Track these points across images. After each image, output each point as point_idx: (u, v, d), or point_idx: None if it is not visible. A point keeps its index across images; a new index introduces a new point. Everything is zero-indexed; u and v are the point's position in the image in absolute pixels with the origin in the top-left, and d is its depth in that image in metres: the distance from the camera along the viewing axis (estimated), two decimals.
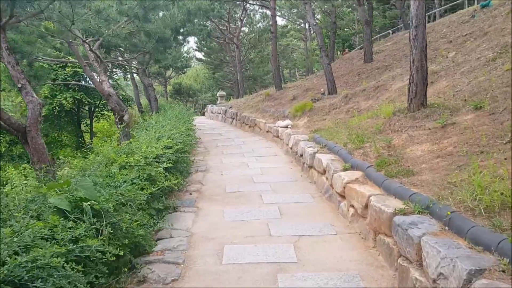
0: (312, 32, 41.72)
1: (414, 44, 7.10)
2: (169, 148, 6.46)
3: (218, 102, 28.06)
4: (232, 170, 8.80)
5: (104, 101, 16.03)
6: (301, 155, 8.76)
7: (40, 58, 8.80)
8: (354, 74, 15.78)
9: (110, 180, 4.42)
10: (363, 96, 11.32)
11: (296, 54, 49.92)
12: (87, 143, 10.00)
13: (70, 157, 7.01)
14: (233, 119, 18.82)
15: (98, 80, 8.35)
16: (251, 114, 16.91)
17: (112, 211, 3.42)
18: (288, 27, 43.28)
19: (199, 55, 40.65)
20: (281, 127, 12.21)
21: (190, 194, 6.86)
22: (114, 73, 16.34)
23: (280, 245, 4.60)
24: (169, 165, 5.63)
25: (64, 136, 15.58)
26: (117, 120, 7.81)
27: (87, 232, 3.04)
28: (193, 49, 39.91)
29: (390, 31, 28.80)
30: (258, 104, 18.09)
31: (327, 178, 6.61)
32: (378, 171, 5.39)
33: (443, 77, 9.46)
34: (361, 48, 28.23)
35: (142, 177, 5.03)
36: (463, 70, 9.09)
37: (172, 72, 38.57)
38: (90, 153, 6.51)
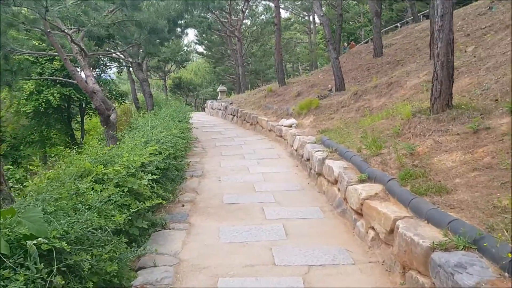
0: (317, 25, 40.83)
1: (439, 36, 6.26)
2: (157, 155, 5.67)
3: (218, 97, 27.19)
4: (231, 176, 8.00)
5: None
6: (308, 160, 7.96)
7: (17, 51, 7.98)
8: (363, 69, 14.94)
9: (79, 199, 3.63)
10: (375, 94, 10.48)
11: (300, 48, 49.04)
12: (78, 142, 9.31)
13: (58, 157, 6.26)
14: (234, 116, 18.01)
15: (82, 75, 7.54)
16: (253, 111, 16.09)
17: (68, 250, 2.63)
18: (292, 20, 42.34)
19: (200, 48, 39.75)
20: (285, 126, 11.40)
21: (183, 205, 6.07)
22: (108, 68, 15.60)
23: (286, 278, 3.81)
24: (156, 176, 4.81)
25: (54, 134, 14.69)
26: (102, 120, 7.01)
27: (28, 285, 2.26)
28: (194, 43, 38.97)
29: (398, 24, 27.86)
30: (260, 100, 17.27)
31: (339, 190, 5.81)
32: (403, 186, 4.59)
33: (465, 74, 8.61)
34: (367, 42, 27.37)
35: (122, 193, 4.24)
36: (487, 66, 8.24)
37: (171, 66, 37.75)
38: (78, 153, 5.78)
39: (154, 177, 4.60)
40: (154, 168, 5.13)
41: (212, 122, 18.86)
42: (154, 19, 7.77)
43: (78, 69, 7.98)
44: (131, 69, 16.69)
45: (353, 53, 19.32)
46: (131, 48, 8.97)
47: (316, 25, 41.30)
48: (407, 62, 13.00)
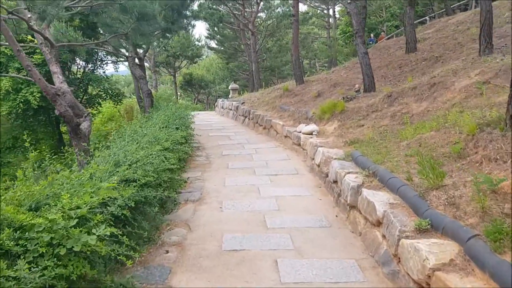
0: (336, 18, 39.00)
1: None
2: (128, 183, 4.11)
3: (230, 96, 25.65)
4: (236, 201, 6.40)
5: (90, 96, 13.73)
6: (335, 182, 6.34)
7: None
8: (394, 66, 13.19)
9: None
10: (414, 96, 8.78)
11: (317, 43, 47.26)
12: (66, 146, 7.85)
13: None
14: (245, 117, 16.42)
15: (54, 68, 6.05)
16: (266, 112, 14.48)
17: None
18: (310, 14, 40.49)
19: (212, 43, 38.17)
20: (303, 133, 9.77)
21: (166, 251, 4.50)
22: (104, 63, 14.10)
23: None
24: (110, 230, 3.15)
25: (40, 138, 13.07)
26: (70, 131, 5.48)
27: None
28: (205, 37, 37.41)
29: (427, 17, 25.92)
30: (275, 100, 15.64)
31: (384, 237, 4.18)
32: (497, 252, 2.95)
33: None
34: (392, 37, 25.47)
35: (54, 261, 2.70)
36: None
37: (182, 61, 36.32)
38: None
39: (108, 232, 3.02)
40: (118, 208, 3.55)
41: (221, 124, 17.30)
42: (142, 2, 6.24)
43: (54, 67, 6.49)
44: (139, 60, 15.19)
45: (379, 48, 17.54)
46: (117, 38, 7.45)
47: (337, 18, 39.51)
48: (448, 58, 11.23)
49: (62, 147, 13.48)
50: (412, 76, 11.35)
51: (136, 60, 13.64)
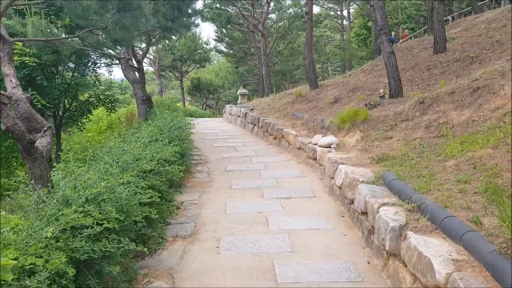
0: (353, 19, 37.66)
1: None
2: (75, 232, 2.85)
3: (238, 101, 24.42)
4: (238, 237, 5.12)
5: (80, 102, 12.50)
6: (364, 213, 5.03)
7: None
8: (421, 68, 11.83)
9: None
10: (452, 103, 7.44)
11: (329, 47, 45.99)
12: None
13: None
14: (254, 125, 15.16)
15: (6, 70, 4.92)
16: (277, 120, 13.20)
17: None
18: (322, 16, 39.14)
19: (221, 47, 36.93)
20: (320, 146, 8.48)
21: None
22: (97, 66, 12.89)
23: None
24: None
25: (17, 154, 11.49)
26: (21, 150, 4.26)
27: None
28: (213, 40, 36.25)
29: (449, 17, 24.50)
30: (287, 107, 14.35)
31: None
32: None
33: None
34: (410, 38, 24.06)
35: None
36: None
37: (189, 66, 35.22)
38: None
39: None
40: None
41: (228, 132, 16.04)
42: None
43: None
44: (137, 63, 13.97)
45: (402, 49, 16.16)
46: (92, 33, 6.21)
47: (350, 19, 38.23)
48: (487, 59, 9.87)
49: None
50: (445, 79, 10.00)
51: (134, 63, 12.48)
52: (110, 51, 9.97)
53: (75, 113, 12.43)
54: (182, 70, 36.10)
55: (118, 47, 8.30)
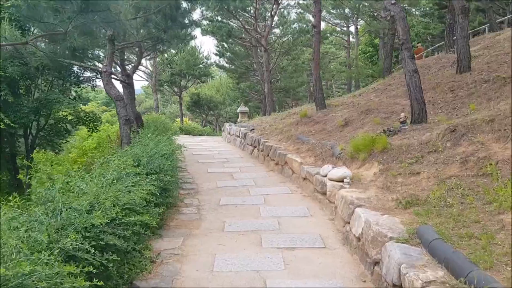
0: (359, 36, 36.76)
1: None
2: None
3: (238, 120, 23.24)
4: None
5: (56, 121, 11.28)
6: (396, 286, 3.76)
7: None
8: (443, 89, 10.64)
9: None
10: (492, 133, 6.23)
11: (334, 64, 45.15)
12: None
13: None
14: (255, 147, 13.95)
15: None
16: (280, 144, 11.97)
17: None
18: (327, 34, 38.19)
19: (222, 62, 35.92)
20: (331, 179, 7.24)
21: None
22: (80, 80, 11.59)
23: None
24: None
25: None
26: None
27: None
28: (214, 54, 35.26)
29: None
30: (291, 128, 13.13)
31: None
32: None
33: None
34: (426, 55, 22.98)
35: None
36: None
37: (188, 81, 34.15)
38: None
39: None
40: None
41: (226, 154, 14.82)
42: None
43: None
44: (126, 77, 12.78)
45: (418, 67, 14.98)
46: (55, 39, 5.07)
47: (359, 36, 37.36)
48: None
49: (15, 185, 11.12)
50: (474, 102, 8.81)
51: (118, 77, 11.33)
52: (96, 63, 8.84)
53: (50, 133, 11.21)
54: (181, 85, 35.02)
55: (93, 59, 7.11)
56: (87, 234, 3.42)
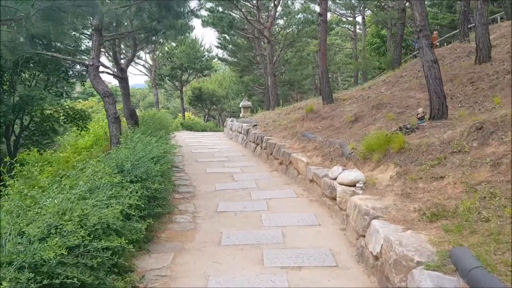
0: (366, 27, 35.87)
1: None
2: None
3: (241, 114, 22.51)
4: None
5: (41, 119, 10.54)
6: None
7: None
8: (462, 81, 9.85)
9: None
10: None
11: (340, 56, 44.31)
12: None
13: None
14: (257, 145, 13.22)
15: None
16: (284, 141, 11.24)
17: None
18: (334, 23, 37.24)
19: (224, 54, 35.07)
20: (341, 183, 6.50)
21: None
22: (69, 75, 10.82)
23: None
24: None
25: None
26: None
27: None
28: (215, 47, 34.50)
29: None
30: (296, 124, 12.38)
31: None
32: None
33: None
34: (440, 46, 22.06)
35: None
36: None
37: (189, 74, 33.36)
38: None
39: None
40: None
41: (227, 152, 14.10)
42: None
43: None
44: (120, 71, 12.06)
45: None
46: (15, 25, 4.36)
47: (367, 26, 36.44)
48: None
49: None
50: (497, 95, 8.03)
51: (113, 70, 10.61)
52: (84, 57, 8.10)
53: (35, 132, 10.48)
54: (182, 79, 34.25)
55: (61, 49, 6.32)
56: (40, 270, 2.71)
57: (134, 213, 4.36)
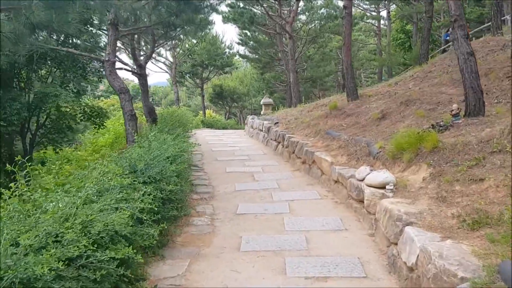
0: (392, 21, 35.02)
1: None
2: None
3: (262, 112, 22.14)
4: None
5: (58, 117, 10.37)
6: None
7: None
8: (498, 76, 9.27)
9: None
10: None
11: (363, 52, 43.44)
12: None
13: None
14: (279, 143, 12.85)
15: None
16: (307, 139, 10.83)
17: None
18: (357, 18, 36.50)
19: (246, 51, 34.75)
20: (369, 185, 6.09)
21: None
22: (87, 72, 10.66)
23: None
24: None
25: None
26: None
27: None
28: (236, 43, 34.18)
29: (508, 17, 21.55)
30: (319, 121, 11.94)
31: None
32: None
33: None
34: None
35: None
36: None
37: (210, 72, 33.16)
38: None
39: None
40: None
41: (247, 150, 13.78)
42: None
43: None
44: (138, 67, 11.87)
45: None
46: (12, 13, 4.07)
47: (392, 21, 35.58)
48: None
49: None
50: None
51: (132, 67, 10.38)
52: (102, 53, 7.89)
53: (51, 130, 10.32)
54: (202, 77, 34.08)
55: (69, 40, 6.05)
56: (35, 285, 2.40)
57: (146, 218, 4.04)
